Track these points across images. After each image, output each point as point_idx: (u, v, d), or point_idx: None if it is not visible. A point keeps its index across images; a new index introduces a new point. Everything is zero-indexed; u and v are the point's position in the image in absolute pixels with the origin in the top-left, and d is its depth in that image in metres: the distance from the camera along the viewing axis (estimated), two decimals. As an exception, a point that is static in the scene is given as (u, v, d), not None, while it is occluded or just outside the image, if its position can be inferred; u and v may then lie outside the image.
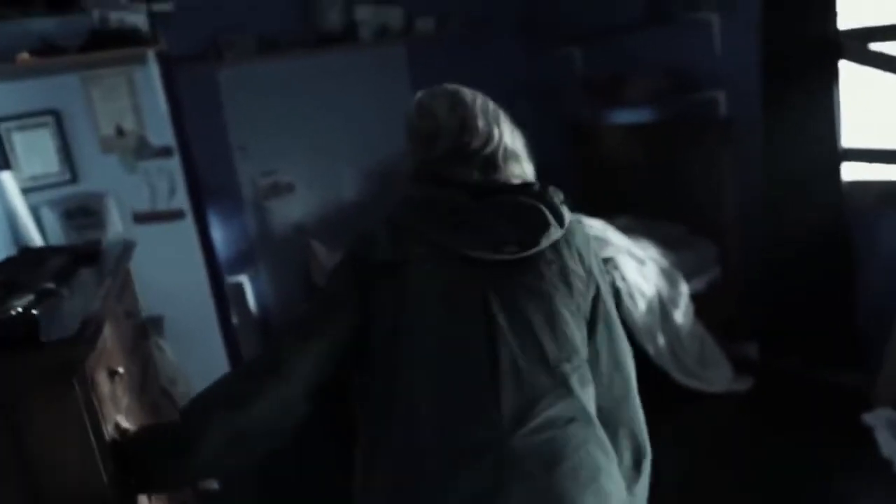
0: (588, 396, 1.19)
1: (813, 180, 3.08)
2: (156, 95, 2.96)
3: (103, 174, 2.91)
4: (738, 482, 2.61)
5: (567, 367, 1.14)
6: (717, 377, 3.19)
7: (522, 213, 1.14)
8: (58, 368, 0.91)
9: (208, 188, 3.94)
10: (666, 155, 3.77)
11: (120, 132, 2.92)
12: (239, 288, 4.12)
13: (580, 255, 1.20)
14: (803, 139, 3.09)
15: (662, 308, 3.20)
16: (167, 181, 3.00)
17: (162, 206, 2.99)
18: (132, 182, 2.95)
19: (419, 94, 1.36)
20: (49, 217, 2.80)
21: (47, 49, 2.67)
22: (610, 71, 4.03)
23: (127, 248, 1.74)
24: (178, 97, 3.19)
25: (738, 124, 3.38)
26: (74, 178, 2.88)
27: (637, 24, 3.71)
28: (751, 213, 3.42)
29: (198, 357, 3.00)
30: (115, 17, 2.81)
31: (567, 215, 1.20)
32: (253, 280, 4.31)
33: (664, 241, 3.49)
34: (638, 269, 3.22)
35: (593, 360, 1.23)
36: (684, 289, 3.28)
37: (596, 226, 3.42)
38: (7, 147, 2.76)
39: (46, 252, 1.58)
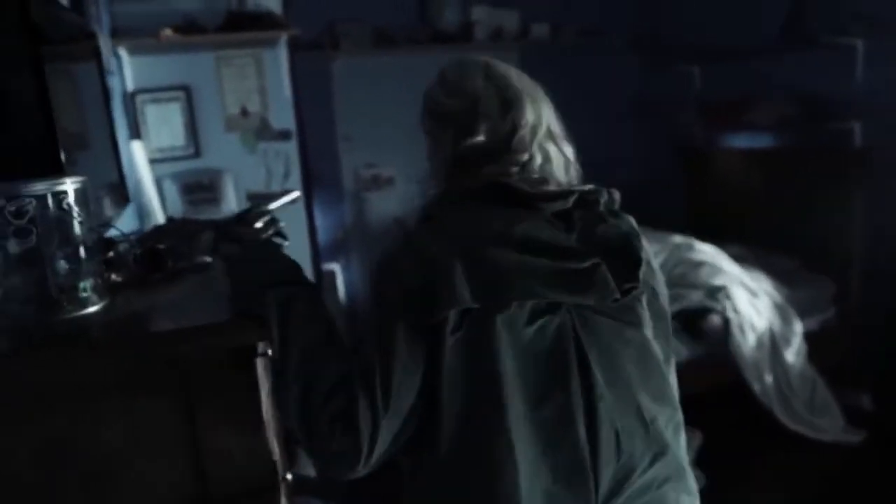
0: (681, 447, 1.08)
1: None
2: (282, 79, 3.01)
3: (224, 152, 2.98)
4: None
5: (662, 421, 1.01)
6: (827, 425, 3.00)
7: (614, 240, 0.98)
8: (239, 349, 0.89)
9: (314, 175, 4.00)
10: (787, 184, 3.58)
11: (244, 112, 2.98)
12: (331, 275, 4.15)
13: (652, 269, 1.06)
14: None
15: (773, 344, 3.03)
16: (283, 164, 3.04)
17: (276, 187, 3.04)
18: (250, 162, 3.01)
19: (443, 67, 1.13)
20: (170, 189, 2.88)
21: (188, 27, 2.75)
22: (731, 92, 3.86)
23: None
24: (298, 83, 3.24)
25: (875, 158, 3.17)
26: (197, 153, 2.96)
27: (769, 45, 3.53)
28: (877, 253, 3.21)
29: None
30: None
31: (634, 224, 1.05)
32: (344, 269, 4.34)
33: (777, 275, 3.31)
34: (750, 300, 3.06)
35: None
36: (798, 327, 3.09)
37: (707, 251, 3.28)
38: (140, 118, 2.86)
39: (189, 225, 1.59)
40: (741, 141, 3.98)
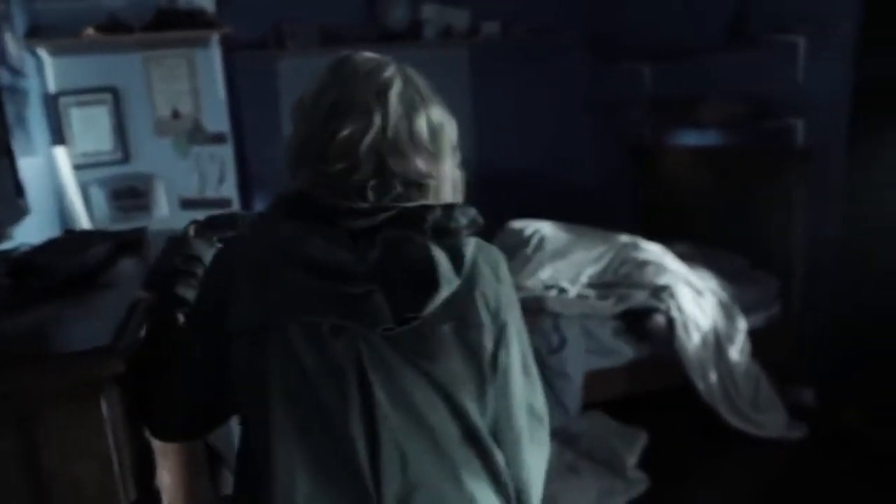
0: (479, 479, 1.01)
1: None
2: (215, 80, 2.92)
3: (155, 156, 2.88)
4: None
5: (458, 450, 0.98)
6: (770, 422, 3.00)
7: (408, 266, 0.92)
8: (82, 383, 0.82)
9: (258, 178, 3.90)
10: (734, 182, 3.59)
11: (175, 115, 2.88)
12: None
13: (485, 299, 0.99)
14: (892, 180, 2.88)
15: (718, 343, 3.03)
16: (217, 168, 2.95)
17: (210, 193, 2.94)
18: (183, 167, 2.91)
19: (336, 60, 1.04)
20: (97, 195, 2.78)
21: (113, 26, 2.64)
22: (681, 90, 3.86)
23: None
24: (235, 84, 3.14)
25: (817, 156, 3.18)
26: (126, 158, 2.85)
27: (716, 43, 3.53)
28: (821, 251, 3.22)
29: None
30: (182, -3, 2.78)
31: (470, 250, 0.97)
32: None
33: (723, 273, 3.31)
34: (695, 299, 3.05)
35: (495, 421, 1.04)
36: (742, 325, 3.10)
37: (652, 250, 3.26)
38: (64, 122, 2.74)
39: (89, 237, 1.51)
40: (689, 139, 3.98)
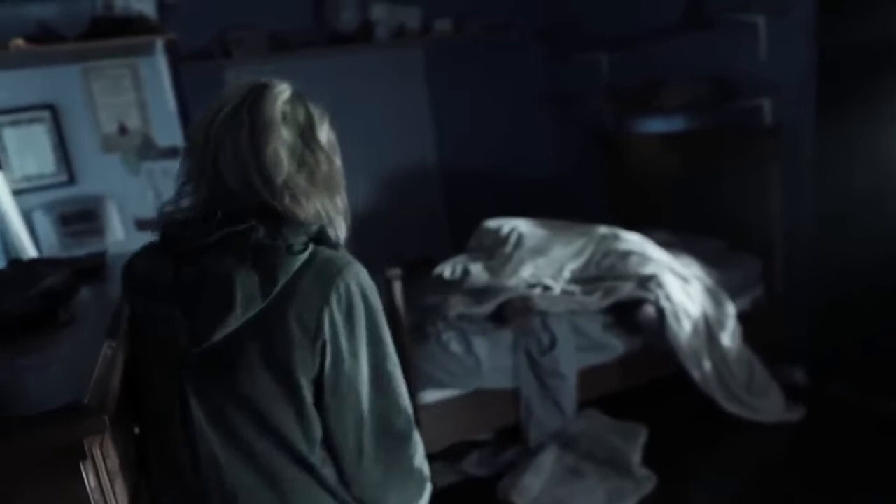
0: (311, 495, 1.04)
1: (874, 197, 2.85)
2: (163, 90, 2.71)
3: (103, 175, 2.65)
4: None
5: (280, 466, 1.01)
6: (767, 406, 2.94)
7: (209, 288, 0.96)
8: (54, 452, 0.64)
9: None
10: (703, 165, 3.54)
11: (123, 130, 2.66)
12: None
13: (300, 319, 0.98)
14: (861, 152, 2.87)
15: (709, 330, 2.96)
16: (173, 184, 2.73)
17: (167, 211, 2.73)
18: (135, 184, 2.69)
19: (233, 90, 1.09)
20: (42, 222, 2.53)
21: (45, 35, 2.41)
22: (640, 77, 3.81)
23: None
24: (184, 95, 2.93)
25: (785, 134, 3.16)
26: (72, 180, 2.62)
27: (672, 28, 3.49)
28: (798, 228, 3.19)
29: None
30: (120, 3, 2.56)
31: (290, 270, 0.97)
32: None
33: (706, 258, 3.25)
34: (682, 287, 2.97)
35: (329, 437, 1.05)
36: (731, 309, 3.03)
37: (633, 240, 3.18)
38: (-3, 144, 2.50)
39: (40, 266, 1.31)
40: (655, 125, 3.93)
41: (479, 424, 2.78)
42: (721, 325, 2.98)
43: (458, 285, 3.01)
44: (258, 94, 1.05)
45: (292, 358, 0.98)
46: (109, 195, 2.64)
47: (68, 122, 2.60)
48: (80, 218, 2.58)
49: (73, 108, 2.60)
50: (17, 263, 1.32)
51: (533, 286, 2.96)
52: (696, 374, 2.89)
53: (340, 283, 1.00)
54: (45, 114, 2.55)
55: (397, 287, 2.48)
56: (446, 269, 3.14)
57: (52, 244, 2.53)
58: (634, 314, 2.90)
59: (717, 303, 3.03)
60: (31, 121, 2.53)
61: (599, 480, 2.60)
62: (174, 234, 1.03)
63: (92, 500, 0.64)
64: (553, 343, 2.74)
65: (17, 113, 2.52)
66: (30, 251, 2.30)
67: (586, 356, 2.85)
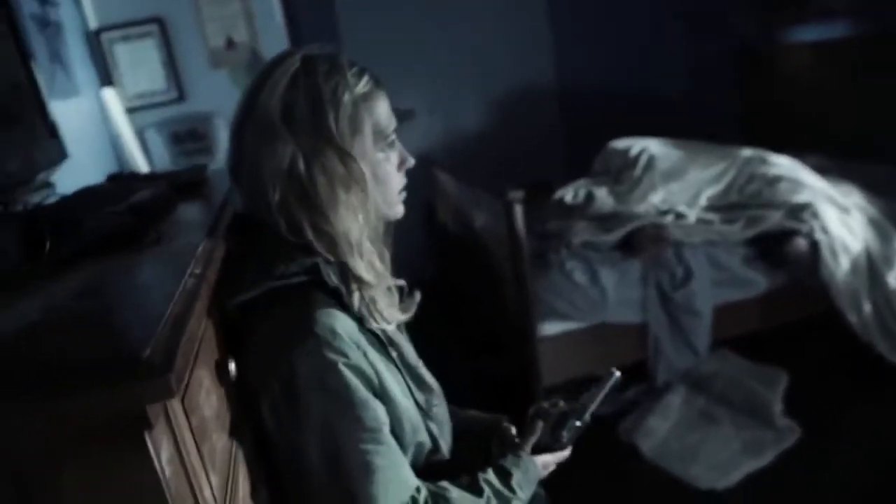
0: None
1: None
2: (270, 1, 2.56)
3: (212, 92, 2.56)
4: None
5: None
6: (938, 355, 2.56)
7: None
8: (112, 420, 0.48)
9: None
10: (870, 78, 3.04)
11: (230, 44, 2.55)
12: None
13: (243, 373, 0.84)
14: None
15: (871, 267, 2.58)
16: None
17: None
18: (244, 102, 2.60)
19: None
20: (155, 140, 2.50)
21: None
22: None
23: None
24: (292, 6, 2.78)
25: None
26: (181, 97, 2.55)
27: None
28: None
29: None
30: None
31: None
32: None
33: (869, 185, 2.82)
34: (841, 218, 2.59)
35: None
36: (899, 244, 2.63)
37: (783, 164, 2.80)
38: (109, 60, 2.45)
39: (137, 182, 1.20)
40: (809, 33, 3.41)
41: (602, 360, 2.57)
42: (887, 262, 2.59)
43: (580, 211, 2.77)
44: (260, 82, 0.89)
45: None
46: (218, 112, 2.56)
47: (176, 36, 2.52)
48: (191, 136, 2.52)
49: (181, 21, 2.51)
50: (114, 178, 1.22)
51: (664, 213, 2.68)
52: (853, 317, 2.54)
53: (285, 366, 0.83)
54: (154, 28, 2.47)
55: (518, 211, 2.28)
56: (568, 194, 2.89)
57: (165, 164, 2.49)
58: (782, 247, 2.56)
59: (883, 237, 2.63)
60: (140, 35, 2.46)
61: (735, 428, 2.35)
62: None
63: (163, 477, 0.50)
64: (688, 276, 2.47)
65: (127, 28, 2.45)
66: (143, 170, 2.28)
67: (723, 292, 2.57)
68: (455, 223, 3.29)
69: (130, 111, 2.42)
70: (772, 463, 2.21)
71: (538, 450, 1.07)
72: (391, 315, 0.94)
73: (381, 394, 0.88)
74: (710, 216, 2.69)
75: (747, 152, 2.88)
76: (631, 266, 2.47)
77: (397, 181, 1.00)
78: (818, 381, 2.58)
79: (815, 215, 2.54)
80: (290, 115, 0.86)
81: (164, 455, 0.51)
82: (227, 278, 0.84)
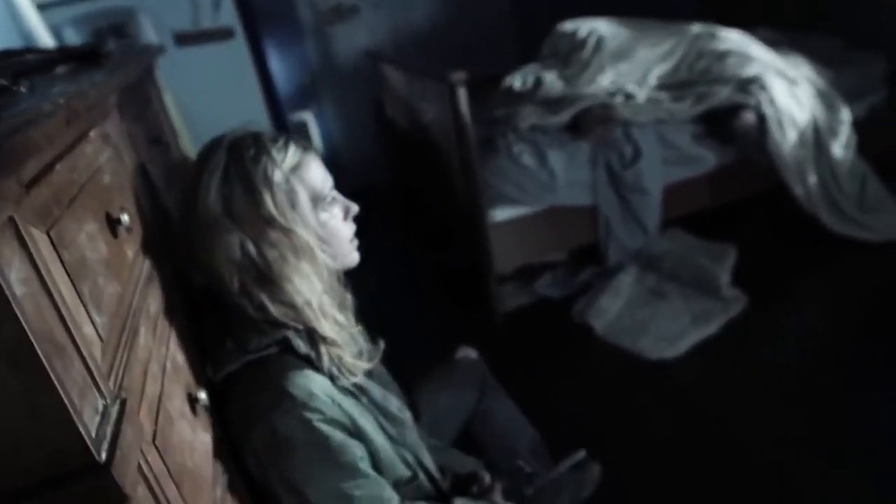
0: None
1: None
2: None
3: (134, -17, 2.40)
4: (890, 344, 2.10)
5: None
6: (880, 223, 2.61)
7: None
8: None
9: (260, 12, 3.40)
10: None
11: (148, -72, 2.37)
12: (302, 127, 3.67)
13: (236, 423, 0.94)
14: None
15: (818, 139, 2.59)
16: (210, -8, 2.47)
17: (206, 22, 2.48)
18: (169, -7, 2.44)
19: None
20: (73, 38, 2.34)
21: None
22: None
23: (148, 51, 1.26)
24: None
25: None
26: (100, -11, 2.38)
27: None
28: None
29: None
30: None
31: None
32: (318, 117, 3.84)
33: (817, 57, 2.80)
34: (789, 90, 2.57)
35: None
36: (845, 115, 2.63)
37: (733, 38, 2.74)
38: (15, -51, 2.26)
39: (30, 52, 1.11)
40: None
41: (554, 244, 2.59)
42: (833, 132, 2.60)
43: (530, 97, 2.71)
44: (196, 182, 0.93)
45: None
46: (141, 6, 2.40)
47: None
48: (115, 34, 2.37)
49: None
50: (6, 52, 1.12)
51: (614, 94, 2.63)
52: (799, 190, 2.57)
53: (265, 426, 0.91)
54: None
55: (462, 94, 2.21)
56: (516, 80, 2.82)
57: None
58: (730, 122, 2.55)
59: (830, 108, 2.63)
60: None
61: (684, 302, 2.41)
62: None
63: (10, 292, 0.47)
64: (636, 155, 2.45)
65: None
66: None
67: (673, 170, 2.56)
68: (404, 119, 3.21)
69: (42, 7, 2.25)
70: (719, 331, 2.27)
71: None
72: (356, 368, 1.01)
73: (357, 433, 0.97)
74: (660, 95, 2.65)
75: (696, 28, 2.81)
76: (579, 147, 2.44)
77: (346, 232, 1.04)
78: (765, 254, 2.64)
79: (764, 88, 2.52)
80: (231, 208, 0.91)
81: (14, 274, 0.48)
82: (208, 352, 0.94)
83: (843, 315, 2.32)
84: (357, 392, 1.01)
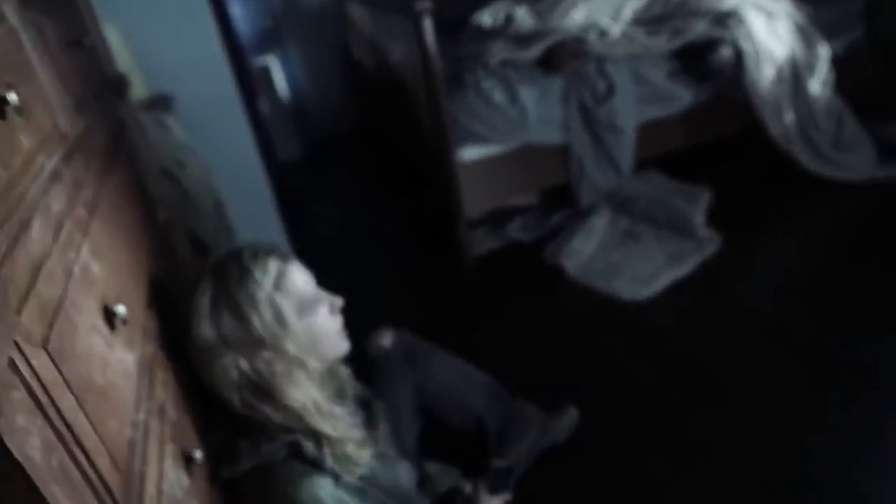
0: None
1: None
2: None
3: None
4: (865, 281, 2.06)
5: None
6: (856, 162, 2.57)
7: None
8: None
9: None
10: None
11: None
12: (265, 72, 3.51)
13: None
14: None
15: (795, 76, 2.52)
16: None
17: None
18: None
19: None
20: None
21: None
22: None
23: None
24: None
25: None
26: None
27: None
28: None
29: (222, 145, 2.49)
30: None
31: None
32: (282, 62, 3.69)
33: (796, -8, 2.71)
34: (767, 25, 2.49)
35: None
36: (824, 51, 2.56)
37: (710, -29, 2.64)
38: None
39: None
40: None
41: (525, 184, 2.51)
42: (810, 69, 2.54)
43: (500, 33, 2.59)
44: (188, 314, 0.99)
45: None
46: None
47: None
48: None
49: None
50: None
51: (587, 30, 2.53)
52: (775, 128, 2.51)
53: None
54: None
55: (427, 24, 2.09)
56: (485, 17, 2.70)
57: None
58: (706, 57, 2.47)
59: (808, 44, 2.56)
60: None
61: (658, 243, 2.36)
62: None
63: None
64: (610, 92, 2.37)
65: None
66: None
67: (647, 108, 2.49)
68: (371, 60, 3.08)
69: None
70: (694, 272, 2.23)
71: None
72: (360, 457, 1.05)
73: None
74: (634, 31, 2.55)
75: (673, -39, 2.70)
76: (552, 83, 2.34)
77: (333, 327, 1.09)
78: (739, 194, 2.58)
79: (741, 21, 2.44)
80: (223, 335, 0.97)
81: None
82: (222, 452, 0.99)
83: (817, 253, 2.28)
84: (364, 485, 1.05)
